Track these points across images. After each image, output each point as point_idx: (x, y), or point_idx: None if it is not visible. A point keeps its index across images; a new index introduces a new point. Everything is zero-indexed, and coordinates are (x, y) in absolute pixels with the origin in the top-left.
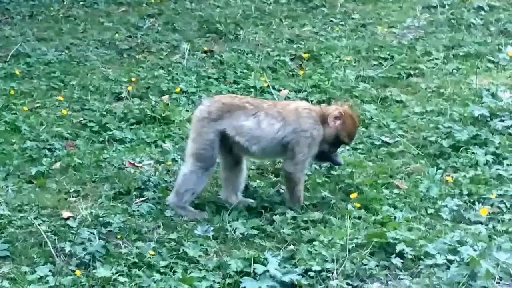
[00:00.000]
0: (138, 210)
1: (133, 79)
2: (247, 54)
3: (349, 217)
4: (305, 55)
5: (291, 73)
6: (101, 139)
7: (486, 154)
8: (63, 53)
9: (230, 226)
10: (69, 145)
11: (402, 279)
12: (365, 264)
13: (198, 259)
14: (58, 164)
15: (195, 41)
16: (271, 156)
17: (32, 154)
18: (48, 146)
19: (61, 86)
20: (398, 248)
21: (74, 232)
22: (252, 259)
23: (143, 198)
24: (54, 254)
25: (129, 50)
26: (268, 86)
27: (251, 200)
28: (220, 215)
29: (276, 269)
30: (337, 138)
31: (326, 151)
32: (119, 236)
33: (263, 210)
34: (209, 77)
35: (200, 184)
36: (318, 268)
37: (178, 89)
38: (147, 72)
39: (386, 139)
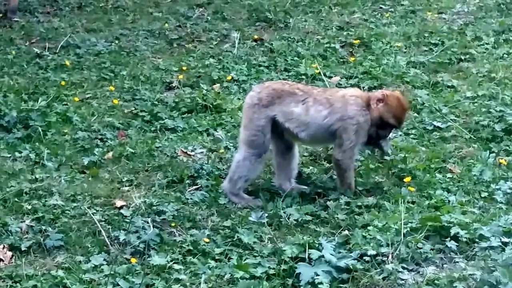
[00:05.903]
0: (191, 198)
1: (183, 68)
2: (297, 42)
3: (403, 201)
4: (356, 42)
5: (341, 60)
6: (152, 128)
7: None
8: (112, 43)
9: (284, 212)
10: (121, 134)
11: (458, 262)
12: (420, 248)
13: (252, 245)
14: (110, 154)
15: (245, 30)
16: (321, 142)
17: (84, 144)
18: (99, 136)
19: (111, 76)
20: (453, 231)
21: (128, 220)
22: (307, 244)
23: (196, 186)
24: (108, 243)
25: (178, 39)
26: (319, 73)
27: (305, 187)
28: (274, 202)
29: (331, 254)
30: (382, 121)
31: (375, 135)
32: (173, 224)
33: (316, 196)
34: (259, 65)
35: (253, 171)
36: (373, 252)
37: (229, 78)
38: (198, 61)
39: (438, 124)
